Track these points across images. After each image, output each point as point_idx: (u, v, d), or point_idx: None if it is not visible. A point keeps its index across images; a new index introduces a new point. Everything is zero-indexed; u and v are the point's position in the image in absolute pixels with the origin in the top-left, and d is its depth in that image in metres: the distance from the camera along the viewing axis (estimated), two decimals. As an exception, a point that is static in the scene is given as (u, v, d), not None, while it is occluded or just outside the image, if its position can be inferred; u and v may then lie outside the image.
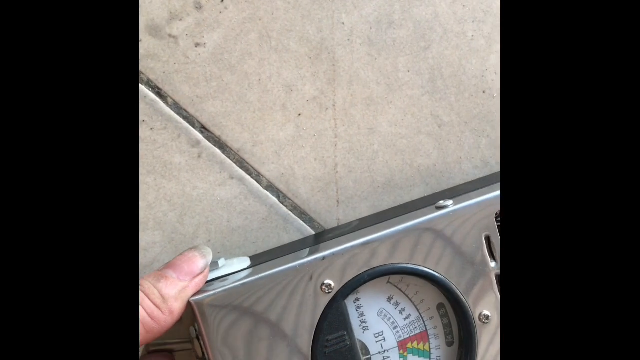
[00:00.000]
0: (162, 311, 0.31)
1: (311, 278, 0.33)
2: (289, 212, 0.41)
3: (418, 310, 0.35)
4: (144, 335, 0.31)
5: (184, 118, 0.40)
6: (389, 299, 0.35)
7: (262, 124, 0.41)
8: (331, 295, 0.33)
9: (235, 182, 0.40)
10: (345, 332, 0.33)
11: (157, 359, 0.36)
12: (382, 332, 0.34)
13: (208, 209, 0.40)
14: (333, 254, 0.33)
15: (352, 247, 0.33)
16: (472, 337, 0.34)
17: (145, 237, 0.40)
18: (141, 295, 0.31)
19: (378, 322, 0.34)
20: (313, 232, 0.41)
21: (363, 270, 0.33)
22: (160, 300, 0.31)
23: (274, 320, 0.32)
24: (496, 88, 0.41)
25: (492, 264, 0.34)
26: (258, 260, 0.37)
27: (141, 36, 0.40)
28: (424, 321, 0.35)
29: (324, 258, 0.33)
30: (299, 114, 0.41)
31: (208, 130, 0.40)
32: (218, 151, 0.40)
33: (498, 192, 0.34)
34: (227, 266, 0.35)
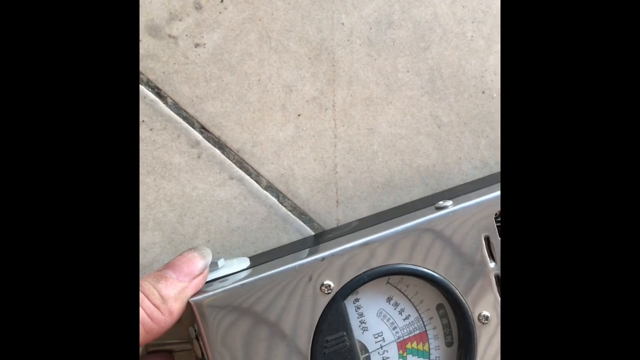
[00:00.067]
0: (161, 312, 0.31)
1: (310, 278, 0.33)
2: (289, 213, 0.41)
3: (417, 311, 0.35)
4: (143, 335, 0.31)
5: (184, 118, 0.40)
6: (389, 300, 0.35)
7: (262, 125, 0.41)
8: (330, 295, 0.33)
9: (234, 183, 0.40)
10: (345, 333, 0.33)
11: (157, 359, 0.36)
12: (382, 332, 0.34)
13: (207, 209, 0.40)
14: (332, 255, 0.33)
15: (351, 247, 0.33)
16: (471, 337, 0.34)
17: (145, 238, 0.40)
18: (141, 295, 0.31)
19: (377, 322, 0.34)
20: (312, 233, 0.41)
21: (362, 271, 0.33)
22: (160, 300, 0.31)
23: (273, 321, 0.33)
24: (495, 88, 0.41)
25: (492, 265, 0.34)
26: (257, 260, 0.37)
27: (141, 36, 0.40)
28: (423, 321, 0.35)
29: (323, 258, 0.33)
30: (299, 115, 0.41)
31: (208, 131, 0.40)
32: (217, 151, 0.40)
33: (497, 193, 0.34)
34: (227, 267, 0.35)
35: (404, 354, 0.35)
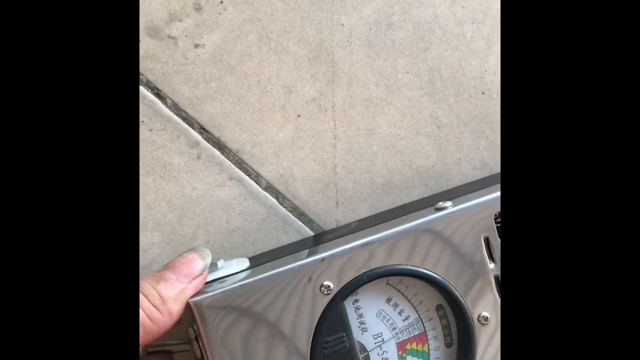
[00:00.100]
0: (161, 312, 0.31)
1: (310, 279, 0.33)
2: (288, 213, 0.41)
3: (417, 312, 0.35)
4: (143, 336, 0.31)
5: (183, 119, 0.40)
6: (388, 300, 0.35)
7: (261, 125, 0.41)
8: (330, 296, 0.33)
9: (234, 183, 0.40)
10: (344, 334, 0.33)
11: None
12: (381, 333, 0.34)
13: (207, 209, 0.40)
14: (332, 256, 0.33)
15: (351, 248, 0.33)
16: (470, 338, 0.34)
17: (144, 238, 0.40)
18: (140, 296, 0.31)
19: (377, 323, 0.34)
20: (312, 233, 0.41)
21: (362, 272, 0.33)
22: (160, 301, 0.31)
23: (272, 322, 0.32)
24: (495, 89, 0.41)
25: (491, 265, 0.34)
26: (257, 261, 0.37)
27: (140, 37, 0.40)
28: (422, 322, 0.35)
29: (322, 259, 0.33)
30: (298, 115, 0.41)
31: (207, 131, 0.40)
32: (217, 152, 0.40)
33: (497, 194, 0.34)
34: (226, 267, 0.35)
35: (404, 355, 0.35)
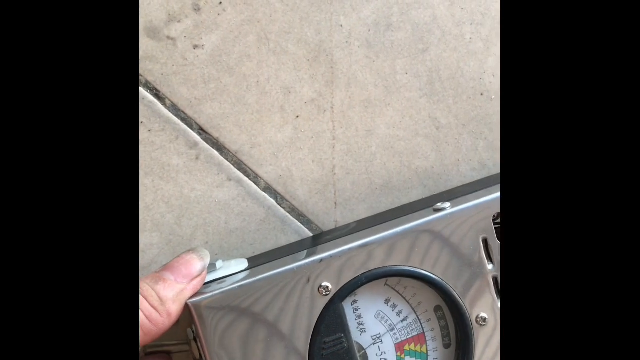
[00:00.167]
0: (159, 313, 0.31)
1: (309, 280, 0.33)
2: (287, 214, 0.41)
3: (415, 313, 0.35)
4: (141, 337, 0.31)
5: (182, 120, 0.40)
6: (387, 301, 0.35)
7: (260, 126, 0.41)
8: (328, 297, 0.33)
9: (233, 184, 0.41)
10: (343, 334, 0.33)
11: (155, 360, 0.36)
12: (380, 334, 0.35)
13: (206, 210, 0.40)
14: (331, 256, 0.33)
15: (349, 249, 0.33)
16: (469, 339, 0.34)
17: (143, 239, 0.40)
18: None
19: (375, 324, 0.35)
20: (311, 234, 0.41)
21: (360, 273, 0.33)
22: (158, 302, 0.31)
23: (271, 322, 0.33)
24: (494, 90, 0.41)
25: (490, 266, 0.34)
26: (256, 262, 0.37)
27: (139, 38, 0.40)
28: (421, 323, 0.35)
29: (321, 260, 0.33)
30: (297, 116, 0.41)
31: (206, 132, 0.40)
32: (216, 153, 0.40)
33: (496, 195, 0.34)
34: (225, 268, 0.35)
35: (402, 356, 0.35)
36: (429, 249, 0.34)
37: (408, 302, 0.35)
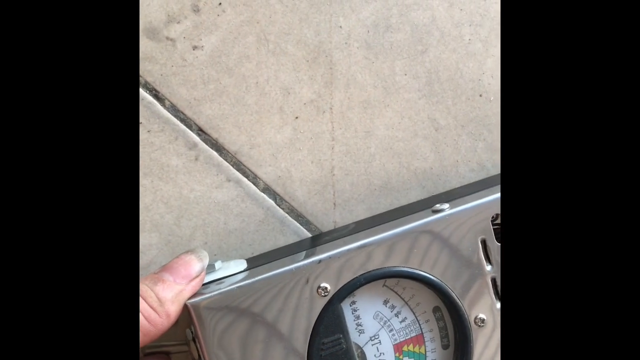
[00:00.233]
0: (158, 314, 0.31)
1: (307, 281, 0.33)
2: (286, 215, 0.41)
3: (414, 314, 0.35)
4: (140, 338, 0.31)
5: (181, 120, 0.40)
6: (385, 302, 0.35)
7: (259, 127, 0.41)
8: (327, 298, 0.33)
9: (232, 185, 0.41)
10: (341, 335, 0.33)
11: (154, 361, 0.36)
12: (378, 335, 0.35)
13: (205, 211, 0.40)
14: (329, 257, 0.33)
15: (348, 250, 0.33)
16: (467, 340, 0.34)
17: (142, 239, 0.40)
18: (138, 298, 0.31)
19: (374, 325, 0.35)
20: (310, 235, 0.41)
21: (359, 274, 0.33)
22: (157, 303, 0.31)
23: (270, 323, 0.33)
24: (493, 91, 0.41)
25: (488, 268, 0.34)
26: (254, 262, 0.37)
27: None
28: (419, 324, 0.35)
29: (320, 261, 0.33)
30: (296, 117, 0.41)
31: (205, 133, 0.40)
32: (215, 153, 0.40)
33: (494, 196, 0.34)
34: (224, 269, 0.35)
35: (401, 357, 0.35)
36: (428, 250, 0.34)
37: (407, 303, 0.35)
